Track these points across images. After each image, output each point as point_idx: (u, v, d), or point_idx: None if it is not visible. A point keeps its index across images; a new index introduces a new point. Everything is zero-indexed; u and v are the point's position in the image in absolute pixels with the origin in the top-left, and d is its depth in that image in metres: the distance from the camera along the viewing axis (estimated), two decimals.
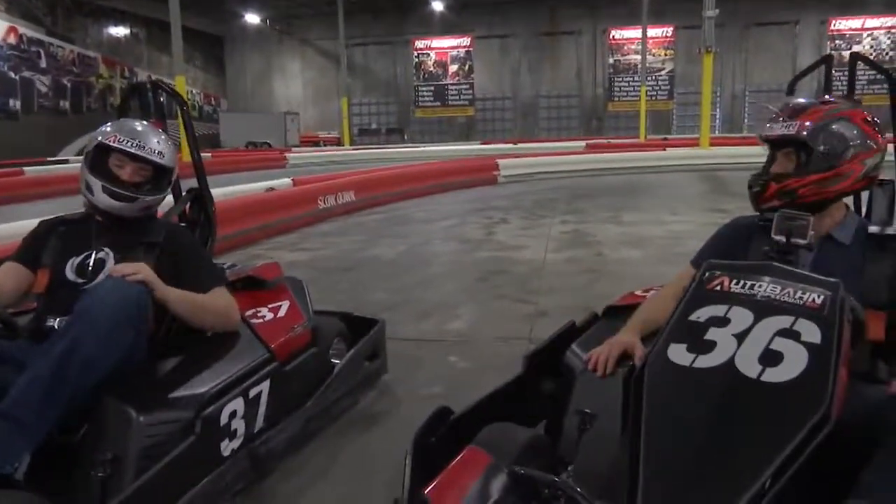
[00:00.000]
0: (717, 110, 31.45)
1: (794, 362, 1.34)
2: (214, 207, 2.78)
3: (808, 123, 1.82)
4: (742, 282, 1.55)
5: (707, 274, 1.61)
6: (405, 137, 35.13)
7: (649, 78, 30.76)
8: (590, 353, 1.98)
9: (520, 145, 23.81)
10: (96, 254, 2.21)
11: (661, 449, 1.32)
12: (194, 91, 34.20)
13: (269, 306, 2.63)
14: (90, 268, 2.18)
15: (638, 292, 2.66)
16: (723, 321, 1.49)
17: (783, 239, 1.66)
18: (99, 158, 2.20)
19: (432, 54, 35.77)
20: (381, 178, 11.17)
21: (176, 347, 2.20)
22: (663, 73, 33.74)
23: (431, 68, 35.88)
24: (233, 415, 2.04)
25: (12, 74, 24.41)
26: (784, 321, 1.42)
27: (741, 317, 1.48)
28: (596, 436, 1.76)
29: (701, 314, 1.53)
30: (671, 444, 1.33)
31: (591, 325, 2.46)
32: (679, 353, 1.46)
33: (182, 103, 2.82)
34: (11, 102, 24.37)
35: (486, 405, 2.03)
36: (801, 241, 1.64)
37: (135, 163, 2.21)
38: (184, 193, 2.76)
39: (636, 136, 27.23)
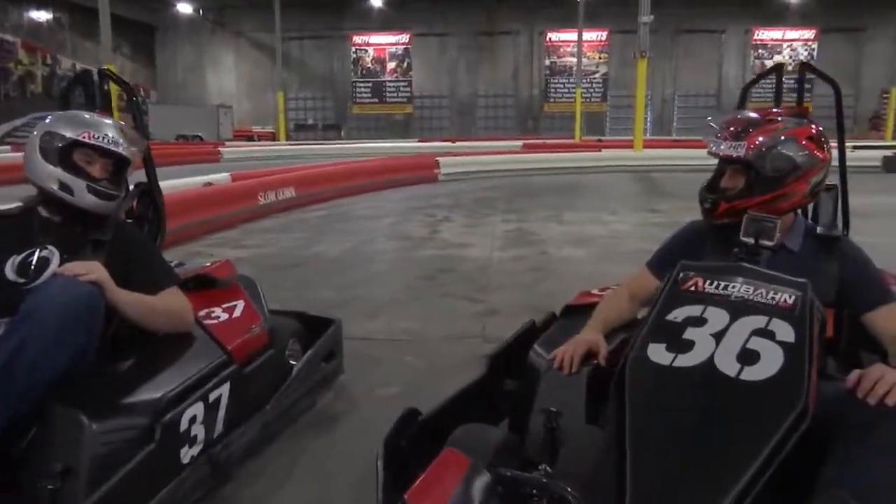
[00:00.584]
0: (648, 113, 32.34)
1: (771, 361, 1.38)
2: (163, 203, 2.67)
3: (753, 146, 1.85)
4: (716, 282, 1.59)
5: (681, 275, 1.65)
6: (342, 134, 34.72)
7: (584, 80, 31.44)
8: (554, 352, 1.99)
9: (458, 144, 23.87)
10: (40, 251, 2.08)
11: (646, 449, 1.34)
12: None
13: (224, 306, 2.54)
14: (33, 266, 2.05)
15: (594, 291, 2.70)
16: (699, 321, 1.52)
17: (751, 241, 1.71)
18: (68, 156, 2.09)
19: (370, 50, 35.49)
20: (322, 174, 11.02)
21: (126, 349, 2.10)
22: (597, 75, 34.48)
23: (369, 65, 35.59)
24: (192, 420, 1.95)
25: None
26: (759, 321, 1.47)
27: (717, 317, 1.51)
28: (563, 433, 1.78)
29: (678, 314, 1.56)
30: (655, 443, 1.35)
31: (549, 325, 2.48)
32: (659, 353, 1.49)
33: (132, 94, 2.69)
34: None
35: (453, 406, 2.02)
36: (769, 243, 1.70)
37: (103, 158, 2.12)
38: (132, 188, 2.63)
39: (571, 137, 27.74)
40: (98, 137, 2.09)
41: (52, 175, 2.07)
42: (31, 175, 2.12)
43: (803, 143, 1.87)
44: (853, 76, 31.44)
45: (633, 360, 1.50)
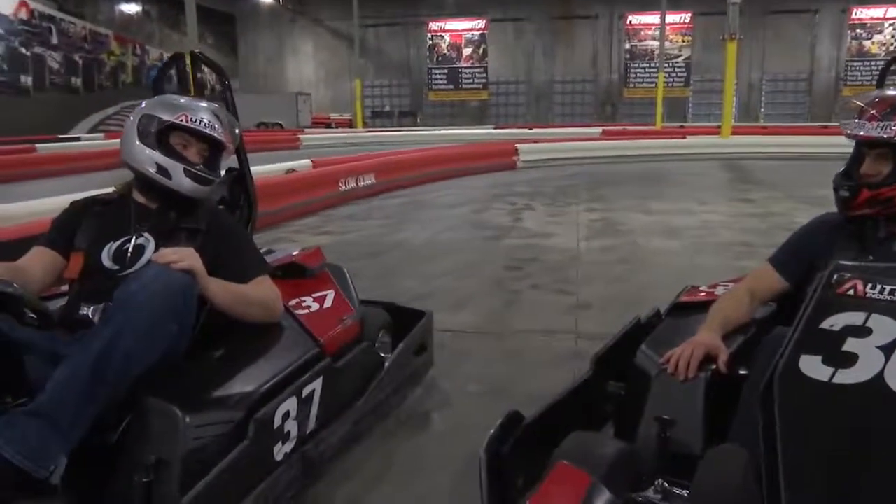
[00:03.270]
0: (735, 98, 31.04)
1: None
2: (255, 189, 2.61)
3: None
4: (879, 286, 1.37)
5: (836, 276, 1.43)
6: (418, 120, 34.79)
7: (666, 64, 30.31)
8: (667, 353, 1.82)
9: (535, 130, 23.51)
10: (136, 239, 2.05)
11: (804, 474, 1.16)
12: (206, 70, 33.89)
13: (314, 296, 2.46)
14: (129, 254, 2.02)
15: (702, 287, 2.49)
16: (862, 331, 1.31)
17: None
18: (164, 139, 2.05)
19: (446, 37, 35.32)
20: (401, 160, 11.00)
21: (217, 340, 2.03)
22: (680, 59, 33.25)
23: (445, 51, 35.44)
24: (286, 416, 1.87)
25: (24, 50, 24.12)
26: None
27: (884, 327, 1.30)
28: (677, 444, 1.61)
29: (834, 322, 1.35)
30: (815, 468, 1.16)
31: (655, 323, 2.30)
32: (814, 366, 1.29)
33: (225, 77, 2.64)
34: (23, 79, 24.07)
35: (556, 410, 1.87)
36: None
37: (199, 142, 2.08)
38: (223, 173, 2.58)
39: (651, 124, 26.88)
40: (195, 121, 2.04)
41: (150, 158, 2.03)
42: (128, 159, 2.09)
43: None
44: None
45: (783, 373, 1.31)
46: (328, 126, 32.33)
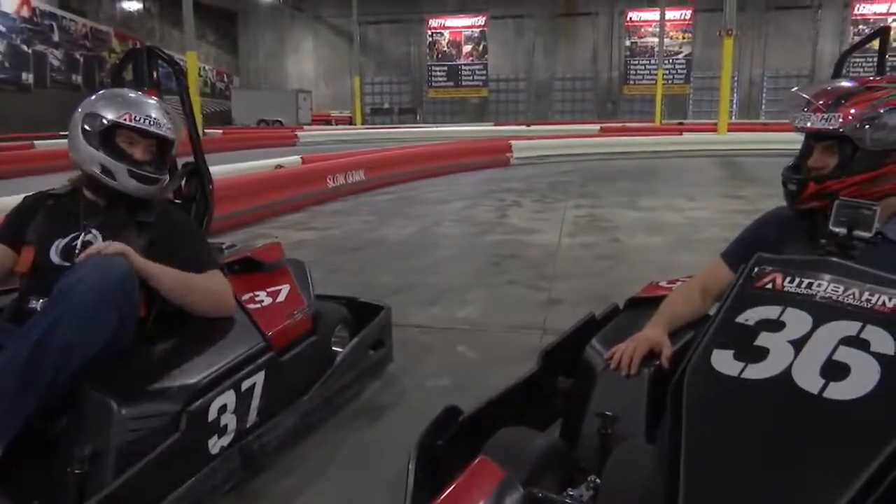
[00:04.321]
0: (735, 95, 30.90)
1: (864, 376, 1.15)
2: (212, 184, 2.60)
3: (850, 117, 1.60)
4: (798, 279, 1.36)
5: (756, 269, 1.42)
6: (418, 117, 34.76)
7: (666, 61, 30.18)
8: (612, 349, 1.81)
9: (533, 127, 23.45)
10: (84, 236, 2.06)
11: (704, 474, 1.14)
12: (206, 67, 33.89)
13: (268, 290, 2.46)
14: (77, 251, 2.02)
15: (662, 283, 2.47)
16: (776, 325, 1.30)
17: (844, 231, 1.46)
18: (109, 138, 2.04)
19: (446, 34, 35.23)
20: (391, 157, 10.98)
21: (165, 333, 2.03)
22: (680, 56, 33.11)
23: (445, 48, 35.36)
24: (223, 409, 1.87)
25: (25, 48, 24.15)
26: (849, 327, 1.23)
27: (798, 320, 1.29)
28: (618, 440, 1.60)
29: (750, 316, 1.34)
30: (716, 468, 1.15)
31: (611, 318, 2.28)
32: (725, 361, 1.28)
33: (179, 72, 2.62)
34: (24, 76, 24.13)
35: (498, 405, 1.86)
36: (865, 234, 1.45)
37: (145, 140, 2.08)
38: (179, 168, 2.58)
39: (651, 120, 26.80)
40: (139, 119, 2.03)
41: (94, 158, 2.03)
42: (75, 157, 2.10)
43: None
44: None
45: (694, 367, 1.29)
46: (328, 123, 32.33)
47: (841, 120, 1.61)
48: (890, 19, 31.15)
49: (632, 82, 33.95)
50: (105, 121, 2.02)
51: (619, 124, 25.07)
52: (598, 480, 1.54)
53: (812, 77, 32.24)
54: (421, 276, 4.72)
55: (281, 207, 7.34)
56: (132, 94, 2.14)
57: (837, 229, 1.47)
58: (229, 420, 1.90)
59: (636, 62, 33.82)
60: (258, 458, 2.02)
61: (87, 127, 2.04)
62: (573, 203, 8.13)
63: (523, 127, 24.13)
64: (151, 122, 2.04)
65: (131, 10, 31.41)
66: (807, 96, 1.74)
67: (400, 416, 2.50)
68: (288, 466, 2.11)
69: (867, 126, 1.60)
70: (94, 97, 2.13)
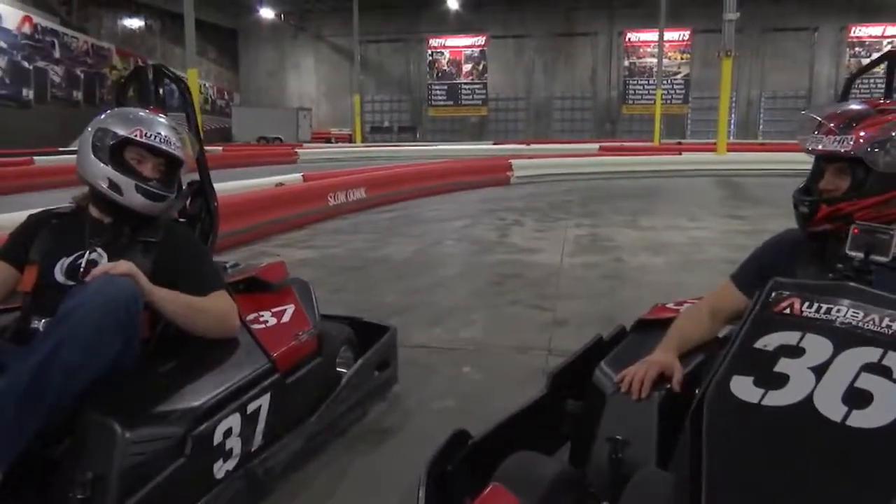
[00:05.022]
0: (733, 116, 31.03)
1: (888, 405, 1.13)
2: (216, 202, 2.59)
3: (863, 139, 1.60)
4: (816, 304, 1.34)
5: (774, 294, 1.40)
6: (417, 136, 34.88)
7: (665, 81, 30.41)
8: (622, 372, 1.78)
9: (532, 146, 23.54)
10: (89, 254, 2.03)
11: (727, 502, 1.12)
12: (207, 84, 34.06)
13: (273, 310, 2.43)
14: (81, 269, 2.00)
15: (669, 305, 2.45)
16: (796, 351, 1.28)
17: (860, 255, 1.44)
18: (119, 154, 2.03)
19: (446, 53, 35.50)
20: (392, 175, 11.00)
21: (169, 354, 2.01)
22: (679, 76, 33.38)
23: (445, 67, 35.62)
24: (228, 432, 1.84)
25: (26, 64, 24.28)
26: (870, 354, 1.21)
27: (818, 346, 1.27)
28: (629, 466, 1.57)
29: (768, 341, 1.32)
30: (739, 496, 1.12)
31: (619, 340, 2.25)
32: (745, 387, 1.25)
33: (185, 90, 2.62)
34: (25, 92, 24.24)
35: (507, 429, 1.83)
36: (882, 259, 1.43)
37: (154, 157, 2.07)
38: (184, 187, 2.56)
39: (650, 140, 26.92)
40: (150, 136, 2.03)
41: (102, 173, 2.02)
42: (82, 172, 2.08)
43: None
44: None
45: (714, 394, 1.27)
46: (328, 141, 32.43)
47: (853, 143, 1.61)
48: (885, 41, 31.47)
49: (630, 102, 34.17)
50: (116, 136, 2.02)
51: (619, 143, 25.18)
52: None
53: (809, 98, 32.45)
54: (424, 295, 4.70)
55: (283, 225, 7.33)
56: (143, 112, 2.15)
57: (854, 253, 1.46)
58: (234, 443, 1.86)
59: (635, 82, 34.06)
60: (263, 481, 1.98)
61: (96, 142, 2.04)
62: (574, 222, 8.13)
63: (523, 146, 24.21)
64: (161, 140, 2.04)
65: (133, 27, 31.62)
66: (818, 118, 1.74)
67: (406, 439, 2.47)
68: (293, 490, 2.08)
69: (879, 149, 1.60)
70: (104, 115, 2.13)
